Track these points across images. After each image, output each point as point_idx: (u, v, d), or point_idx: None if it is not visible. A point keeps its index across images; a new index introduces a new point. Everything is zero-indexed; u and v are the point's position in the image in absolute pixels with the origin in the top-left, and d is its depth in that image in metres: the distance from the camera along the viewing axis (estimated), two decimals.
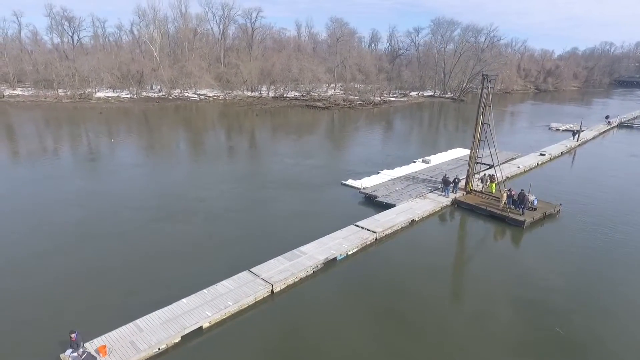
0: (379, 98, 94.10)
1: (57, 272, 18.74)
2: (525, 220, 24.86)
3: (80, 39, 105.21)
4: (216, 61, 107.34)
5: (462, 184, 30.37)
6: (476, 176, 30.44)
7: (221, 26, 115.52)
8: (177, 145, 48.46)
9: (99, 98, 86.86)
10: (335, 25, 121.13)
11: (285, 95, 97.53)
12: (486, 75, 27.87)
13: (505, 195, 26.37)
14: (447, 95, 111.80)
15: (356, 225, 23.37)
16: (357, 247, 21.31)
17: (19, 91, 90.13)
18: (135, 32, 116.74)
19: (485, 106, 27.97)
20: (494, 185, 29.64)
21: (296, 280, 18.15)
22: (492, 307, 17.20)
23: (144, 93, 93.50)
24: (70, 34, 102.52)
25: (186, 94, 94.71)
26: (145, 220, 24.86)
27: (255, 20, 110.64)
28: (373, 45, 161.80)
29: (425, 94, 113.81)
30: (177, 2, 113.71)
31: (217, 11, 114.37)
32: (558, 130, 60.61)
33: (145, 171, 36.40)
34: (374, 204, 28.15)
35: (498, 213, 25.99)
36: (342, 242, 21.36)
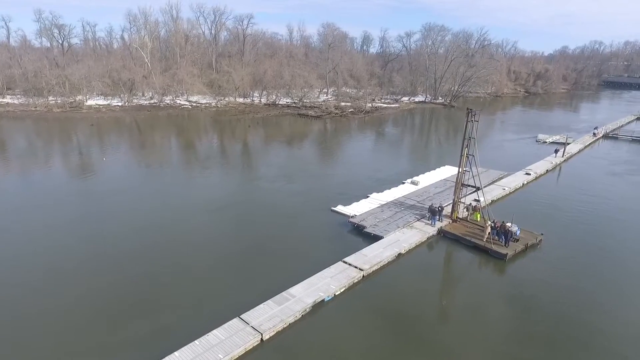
0: (370, 105, 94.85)
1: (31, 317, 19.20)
2: (507, 253, 25.76)
3: (70, 46, 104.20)
4: (208, 67, 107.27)
5: (448, 209, 31.24)
6: (462, 204, 31.27)
7: (213, 31, 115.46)
8: (163, 164, 48.34)
9: (90, 106, 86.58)
10: (327, 31, 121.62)
11: (277, 103, 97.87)
12: (471, 109, 28.69)
13: (489, 227, 27.23)
14: (438, 101, 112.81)
15: (344, 262, 24.08)
16: (345, 286, 22.04)
17: (8, 99, 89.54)
18: (126, 38, 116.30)
19: (470, 138, 28.79)
20: (478, 214, 30.51)
21: (285, 326, 18.83)
22: (475, 349, 18.02)
23: (135, 100, 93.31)
24: (60, 42, 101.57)
25: (178, 101, 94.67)
26: (123, 260, 24.95)
27: (247, 27, 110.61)
28: (365, 47, 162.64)
29: (417, 99, 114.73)
30: (168, 7, 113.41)
31: (209, 16, 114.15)
32: (545, 142, 61.79)
33: (129, 198, 35.85)
34: (362, 233, 28.90)
35: (482, 245, 26.87)
36: (330, 282, 22.07)
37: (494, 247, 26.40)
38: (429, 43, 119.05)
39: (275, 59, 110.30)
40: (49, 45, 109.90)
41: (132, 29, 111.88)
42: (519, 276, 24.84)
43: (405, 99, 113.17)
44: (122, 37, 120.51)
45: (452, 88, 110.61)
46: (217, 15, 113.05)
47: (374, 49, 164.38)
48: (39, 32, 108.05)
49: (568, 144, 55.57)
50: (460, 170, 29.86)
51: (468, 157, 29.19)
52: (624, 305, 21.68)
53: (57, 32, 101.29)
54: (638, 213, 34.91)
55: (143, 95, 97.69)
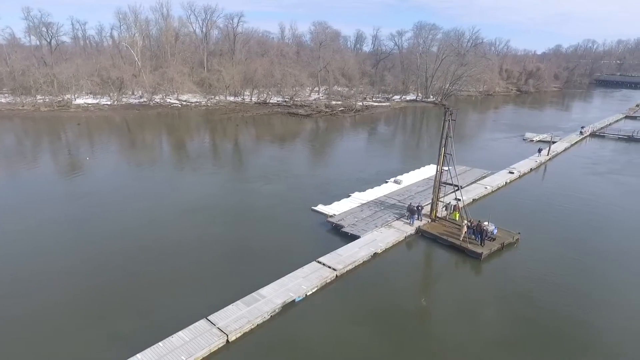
0: (361, 103, 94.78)
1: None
2: (482, 252, 25.77)
3: (58, 44, 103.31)
4: (199, 65, 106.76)
5: (427, 209, 31.24)
6: (441, 203, 31.26)
7: (204, 29, 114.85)
8: (144, 165, 47.93)
9: (78, 105, 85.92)
10: (318, 29, 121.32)
11: (268, 101, 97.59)
12: (448, 108, 28.66)
13: (465, 226, 27.23)
14: (429, 100, 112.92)
15: (318, 262, 24.01)
16: (317, 286, 21.96)
17: None
18: (116, 36, 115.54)
19: (447, 137, 28.78)
20: (457, 213, 30.51)
21: (252, 327, 18.73)
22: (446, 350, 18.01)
23: (124, 99, 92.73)
24: (48, 40, 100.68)
25: (168, 100, 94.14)
26: (92, 262, 24.71)
27: (237, 25, 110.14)
28: (358, 45, 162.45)
29: (408, 97, 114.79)
30: (159, 5, 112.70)
31: (200, 14, 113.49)
32: (532, 141, 61.99)
33: (104, 200, 35.43)
34: (340, 233, 28.83)
35: (458, 245, 26.86)
36: (302, 282, 21.98)
37: (470, 247, 26.40)
38: (420, 42, 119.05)
39: (267, 58, 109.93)
40: (38, 43, 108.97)
41: (121, 27, 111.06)
42: (493, 275, 24.89)
43: (396, 97, 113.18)
44: (112, 36, 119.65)
45: (444, 87, 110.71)
46: (208, 13, 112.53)
47: (367, 47, 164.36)
48: (27, 30, 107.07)
49: (554, 142, 55.73)
50: (438, 169, 29.85)
51: (446, 155, 29.16)
52: (592, 306, 21.75)
53: (45, 30, 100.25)
54: (619, 212, 35.08)
55: (133, 94, 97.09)
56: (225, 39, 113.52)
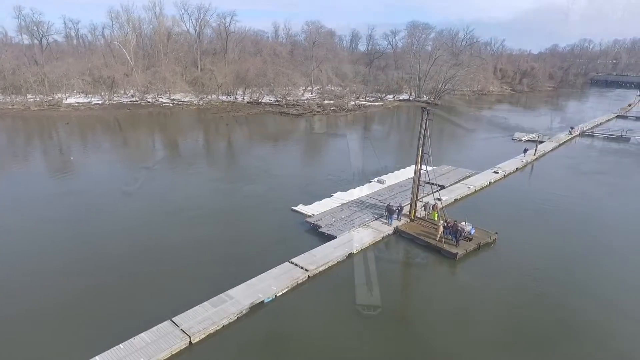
0: (353, 103, 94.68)
1: None
2: (457, 253, 25.69)
3: (49, 43, 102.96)
4: (192, 64, 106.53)
5: (407, 209, 31.15)
6: (420, 203, 31.18)
7: (197, 28, 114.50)
8: (126, 165, 47.66)
9: (69, 105, 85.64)
10: (311, 28, 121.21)
11: (260, 101, 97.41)
12: (425, 108, 28.60)
13: (441, 226, 27.16)
14: (422, 99, 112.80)
15: (291, 262, 23.90)
16: (287, 287, 21.85)
17: None
18: (108, 35, 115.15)
19: (425, 137, 28.70)
20: (435, 213, 30.43)
21: (218, 328, 18.59)
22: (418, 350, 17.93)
23: (116, 98, 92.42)
24: (39, 39, 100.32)
25: (160, 100, 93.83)
26: (58, 262, 24.51)
27: (229, 24, 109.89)
28: (353, 45, 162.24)
29: (402, 97, 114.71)
30: (151, 4, 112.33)
31: (193, 13, 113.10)
32: (521, 140, 61.97)
33: (80, 200, 34.80)
34: (318, 233, 28.71)
35: (434, 245, 26.78)
36: (273, 282, 21.86)
37: (446, 247, 26.31)
38: (414, 41, 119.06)
39: (260, 57, 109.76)
40: (29, 42, 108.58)
41: (114, 26, 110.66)
42: (468, 275, 24.79)
43: (390, 97, 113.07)
44: (103, 35, 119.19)
45: (437, 86, 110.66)
46: (202, 12, 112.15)
47: (362, 46, 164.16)
48: (19, 28, 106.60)
49: (541, 142, 55.70)
50: (417, 169, 29.77)
51: (424, 155, 29.09)
52: (569, 306, 21.69)
53: (36, 29, 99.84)
54: (601, 212, 35.05)
55: (125, 93, 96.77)
56: (217, 38, 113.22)
